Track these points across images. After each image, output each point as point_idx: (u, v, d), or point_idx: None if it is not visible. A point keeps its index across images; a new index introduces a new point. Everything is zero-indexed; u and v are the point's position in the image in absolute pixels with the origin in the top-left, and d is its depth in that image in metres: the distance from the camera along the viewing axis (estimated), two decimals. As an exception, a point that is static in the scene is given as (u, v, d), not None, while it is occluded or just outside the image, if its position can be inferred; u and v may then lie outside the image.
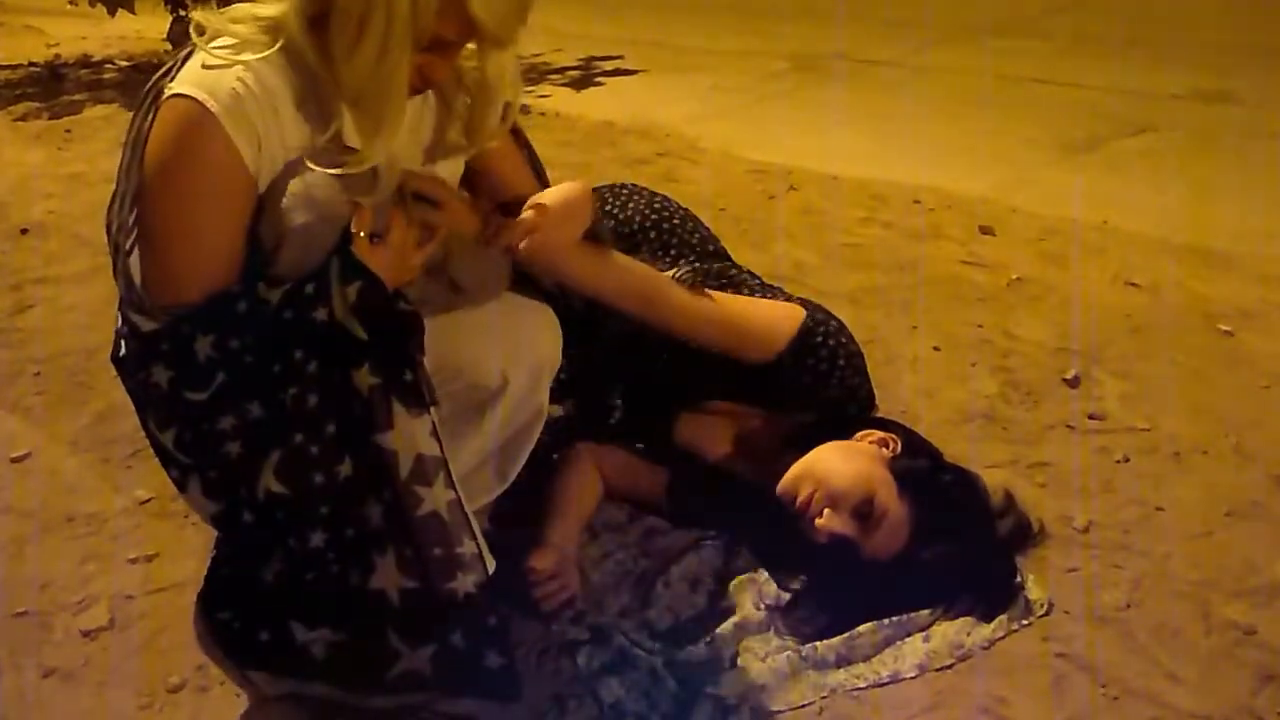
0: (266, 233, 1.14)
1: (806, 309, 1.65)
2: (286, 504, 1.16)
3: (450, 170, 1.36)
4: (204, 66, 1.11)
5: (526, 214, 1.33)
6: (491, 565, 1.24)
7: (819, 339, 1.61)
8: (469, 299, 1.34)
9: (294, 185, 1.13)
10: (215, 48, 1.11)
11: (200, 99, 1.08)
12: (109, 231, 1.22)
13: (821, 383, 1.61)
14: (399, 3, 1.03)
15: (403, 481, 1.15)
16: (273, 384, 1.12)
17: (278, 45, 1.11)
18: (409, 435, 1.15)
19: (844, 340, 1.64)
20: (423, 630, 1.22)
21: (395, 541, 1.17)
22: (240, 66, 1.10)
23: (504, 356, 1.40)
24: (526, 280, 1.47)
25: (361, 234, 1.12)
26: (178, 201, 1.11)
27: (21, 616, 1.50)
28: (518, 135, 1.47)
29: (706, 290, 1.62)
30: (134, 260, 1.17)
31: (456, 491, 1.19)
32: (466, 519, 1.20)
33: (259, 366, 1.12)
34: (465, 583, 1.20)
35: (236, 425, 1.14)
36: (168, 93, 1.11)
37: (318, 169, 1.14)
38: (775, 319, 1.63)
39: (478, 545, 1.22)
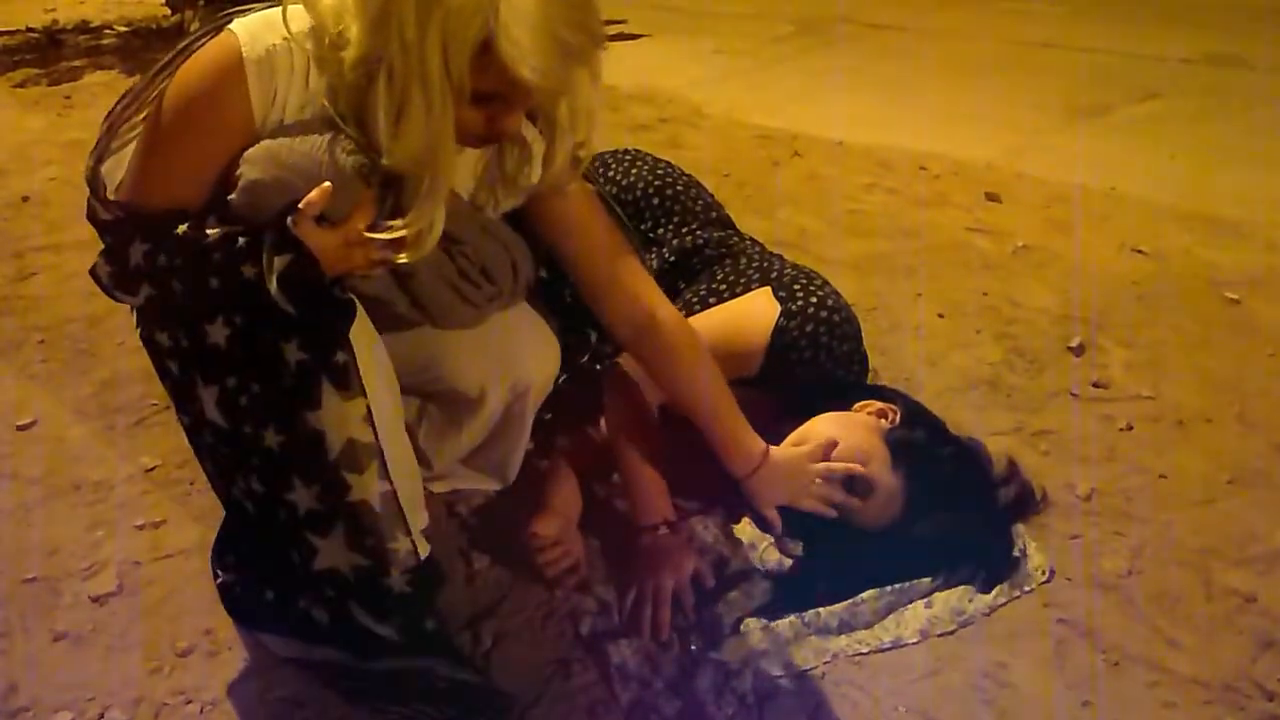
0: (232, 170, 1.14)
1: (778, 299, 1.60)
2: (228, 438, 1.18)
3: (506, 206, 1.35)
4: (266, 17, 1.11)
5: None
6: (425, 551, 1.25)
7: (794, 335, 1.57)
8: (431, 320, 1.34)
9: (271, 143, 1.12)
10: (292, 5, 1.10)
11: (242, 43, 1.08)
12: (108, 116, 1.21)
13: (810, 366, 1.59)
14: (430, 66, 1.00)
15: (331, 464, 1.15)
16: (197, 319, 1.13)
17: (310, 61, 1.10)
18: (339, 418, 1.14)
19: (823, 315, 1.59)
20: (383, 608, 1.24)
21: (342, 520, 1.18)
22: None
23: (485, 371, 1.40)
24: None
25: (309, 212, 1.09)
26: (178, 125, 1.11)
27: (31, 582, 1.51)
28: (601, 200, 1.40)
29: None
30: (116, 159, 1.17)
31: (392, 484, 1.18)
32: (401, 513, 1.20)
33: (186, 295, 1.12)
34: (399, 581, 1.22)
35: (171, 347, 1.16)
36: (231, 23, 1.11)
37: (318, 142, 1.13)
38: (745, 339, 1.59)
39: (411, 541, 1.22)
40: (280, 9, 1.10)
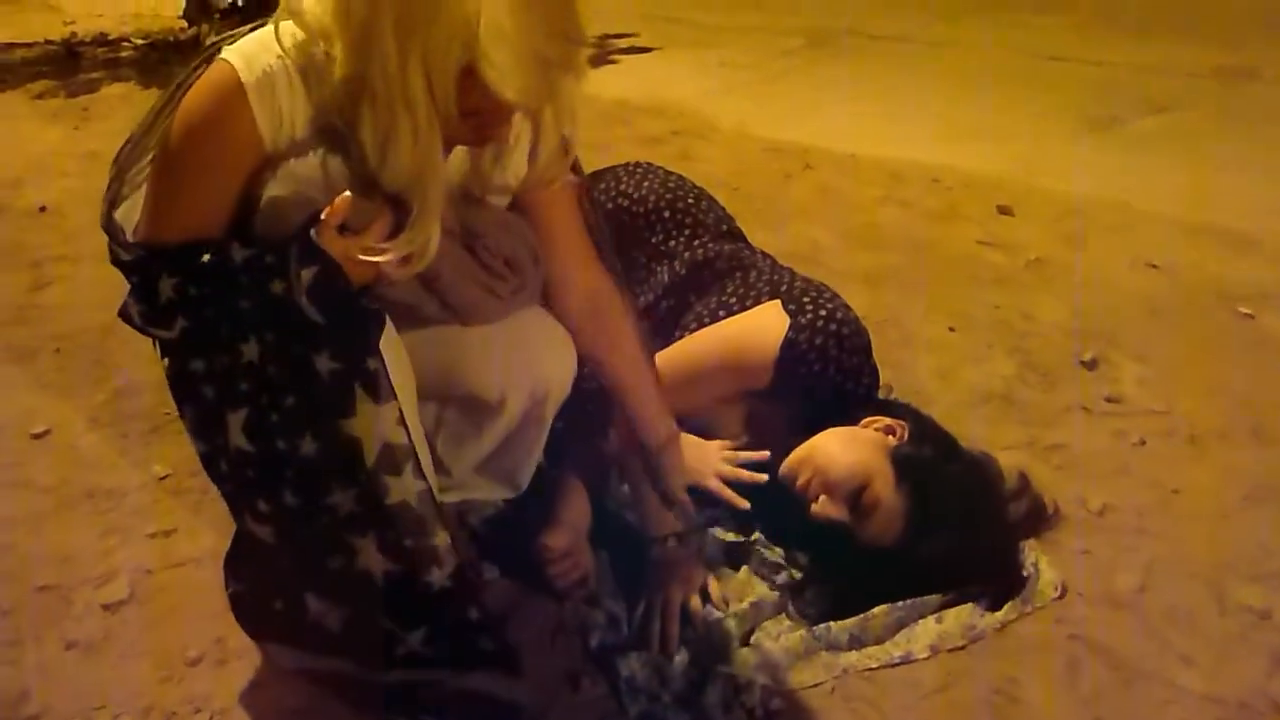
0: (251, 192, 1.15)
1: (787, 312, 1.60)
2: (255, 463, 1.17)
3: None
4: (258, 38, 1.12)
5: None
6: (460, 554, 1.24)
7: (803, 348, 1.57)
8: (460, 318, 1.35)
9: (290, 161, 1.13)
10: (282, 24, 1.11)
11: (238, 69, 1.09)
12: (115, 161, 1.23)
13: (819, 379, 1.59)
14: (414, 95, 1.01)
15: (370, 469, 1.15)
16: (231, 341, 1.13)
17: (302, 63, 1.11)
18: (374, 423, 1.14)
19: (833, 328, 1.58)
20: (410, 614, 1.23)
21: (375, 525, 1.18)
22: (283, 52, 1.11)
23: (505, 376, 1.41)
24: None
25: (331, 222, 1.10)
26: (187, 159, 1.12)
27: (43, 591, 1.52)
28: (588, 200, 1.43)
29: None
30: (130, 202, 1.18)
31: (427, 481, 1.19)
32: (438, 510, 1.20)
33: (219, 320, 1.12)
34: (440, 576, 1.21)
35: (205, 372, 1.16)
36: (221, 53, 1.12)
37: (325, 158, 1.14)
38: (754, 352, 1.60)
39: (450, 537, 1.22)
40: (270, 28, 1.11)
